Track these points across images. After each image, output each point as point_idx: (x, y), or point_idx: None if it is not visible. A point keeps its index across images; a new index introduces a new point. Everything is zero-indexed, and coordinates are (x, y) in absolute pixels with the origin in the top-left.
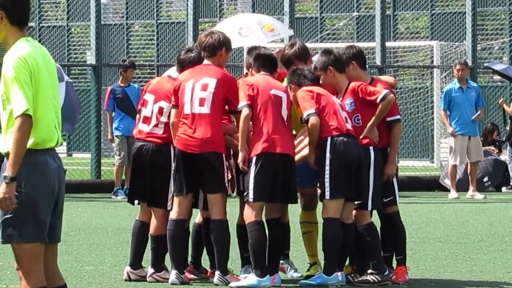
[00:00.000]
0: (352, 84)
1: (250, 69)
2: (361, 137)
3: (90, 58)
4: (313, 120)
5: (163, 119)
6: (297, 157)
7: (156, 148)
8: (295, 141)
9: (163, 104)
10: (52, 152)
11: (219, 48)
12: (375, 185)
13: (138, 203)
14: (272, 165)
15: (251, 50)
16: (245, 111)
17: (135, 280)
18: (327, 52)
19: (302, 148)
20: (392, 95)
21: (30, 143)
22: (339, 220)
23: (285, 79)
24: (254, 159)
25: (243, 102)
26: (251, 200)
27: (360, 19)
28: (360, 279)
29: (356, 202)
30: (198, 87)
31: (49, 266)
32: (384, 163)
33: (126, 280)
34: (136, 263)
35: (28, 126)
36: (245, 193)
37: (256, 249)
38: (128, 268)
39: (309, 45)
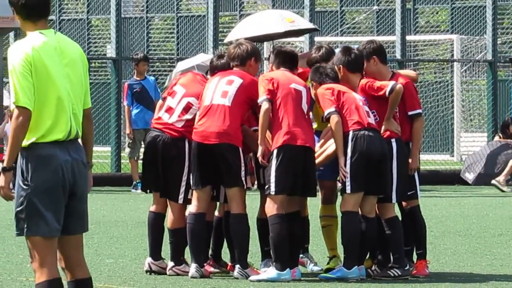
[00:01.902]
0: (360, 83)
1: (271, 65)
2: (382, 131)
3: (110, 51)
4: (334, 118)
5: (188, 116)
6: (322, 157)
7: (171, 141)
8: (319, 143)
9: (193, 101)
10: (65, 145)
11: (248, 58)
12: (399, 177)
13: (151, 192)
14: (293, 157)
15: (275, 48)
16: (265, 105)
17: (156, 271)
18: (345, 50)
19: (326, 149)
20: (400, 85)
21: (35, 136)
22: (358, 214)
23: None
24: (275, 152)
25: (262, 97)
26: (273, 193)
27: (380, 13)
28: (380, 273)
29: (380, 196)
30: (223, 82)
31: (71, 258)
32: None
33: (147, 272)
34: (156, 254)
35: (23, 118)
36: (267, 186)
37: (277, 242)
38: (149, 259)
39: (329, 39)
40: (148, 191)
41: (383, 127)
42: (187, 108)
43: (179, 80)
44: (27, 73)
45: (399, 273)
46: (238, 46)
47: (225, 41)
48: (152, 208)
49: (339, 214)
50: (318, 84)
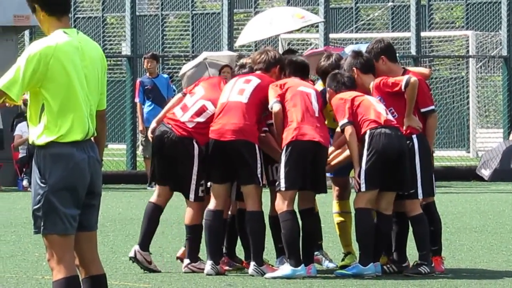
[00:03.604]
0: (374, 82)
1: (283, 73)
2: (404, 128)
3: (125, 49)
4: (348, 130)
5: (199, 119)
6: (341, 157)
7: (177, 139)
8: (331, 147)
9: (209, 105)
10: (82, 144)
11: (274, 65)
12: (423, 172)
13: (153, 186)
14: (301, 152)
15: (286, 53)
16: (275, 107)
17: (140, 261)
18: (355, 54)
19: (345, 150)
20: (415, 78)
21: (55, 136)
22: (370, 210)
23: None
24: (284, 148)
25: (272, 100)
26: (283, 189)
27: (395, 9)
28: (411, 269)
29: (406, 193)
30: (241, 81)
31: (86, 255)
32: None
33: (130, 258)
34: (144, 245)
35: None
36: (277, 183)
37: (289, 238)
38: (136, 247)
39: (344, 35)
40: (153, 183)
41: (404, 124)
42: (201, 111)
43: (202, 81)
44: (35, 65)
45: (428, 270)
46: (265, 52)
47: (237, 44)
48: (153, 199)
49: (353, 210)
50: (334, 93)
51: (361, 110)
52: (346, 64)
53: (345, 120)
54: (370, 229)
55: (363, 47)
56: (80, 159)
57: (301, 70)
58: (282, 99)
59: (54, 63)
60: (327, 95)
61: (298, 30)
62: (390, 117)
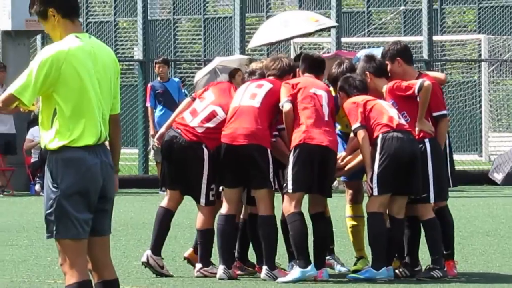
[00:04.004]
0: (388, 86)
1: (298, 70)
2: (416, 132)
3: (137, 53)
4: (360, 133)
5: (209, 124)
6: (354, 161)
7: (186, 144)
8: (344, 151)
9: (219, 110)
10: (94, 148)
11: (288, 72)
12: (436, 177)
13: (164, 190)
14: (309, 155)
15: (298, 57)
16: (286, 107)
17: (152, 266)
18: (368, 58)
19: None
20: (428, 82)
21: (67, 140)
22: (382, 214)
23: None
24: (292, 150)
25: (284, 99)
26: (290, 191)
27: (407, 13)
28: (423, 273)
29: (418, 197)
30: (253, 85)
31: (99, 259)
32: None
33: (143, 263)
34: (156, 249)
35: (4, 102)
36: (284, 185)
37: (297, 240)
38: (149, 252)
39: (356, 39)
40: (163, 188)
41: (416, 128)
42: (211, 116)
43: (212, 86)
44: (46, 71)
45: (441, 274)
46: (279, 59)
47: (249, 46)
48: (163, 203)
49: (365, 214)
50: (346, 96)
51: (373, 114)
52: (359, 68)
53: (358, 124)
54: (383, 233)
55: (375, 51)
56: (92, 163)
57: (316, 66)
58: (293, 99)
59: (67, 67)
60: (339, 99)
61: (312, 34)
62: (402, 121)
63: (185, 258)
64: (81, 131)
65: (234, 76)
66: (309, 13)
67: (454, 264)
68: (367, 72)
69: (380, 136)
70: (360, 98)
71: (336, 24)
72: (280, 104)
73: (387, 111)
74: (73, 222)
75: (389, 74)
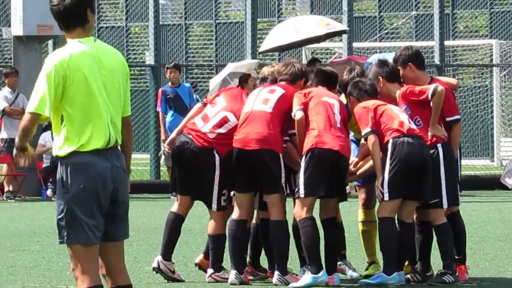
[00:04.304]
0: (401, 91)
1: (310, 82)
2: (429, 137)
3: (149, 58)
4: (370, 138)
5: (221, 130)
6: (366, 166)
7: (198, 150)
8: (354, 158)
9: (230, 116)
10: (104, 152)
11: (300, 77)
12: (448, 182)
13: (175, 195)
14: (321, 159)
15: (310, 62)
16: (298, 115)
17: (163, 271)
18: (381, 63)
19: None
20: (442, 87)
21: (75, 145)
22: (394, 219)
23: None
24: (304, 155)
25: (296, 108)
26: (302, 195)
27: (418, 18)
28: (435, 278)
29: (431, 202)
30: (265, 91)
31: (112, 264)
32: None
33: (154, 269)
34: (167, 254)
35: (29, 122)
36: (296, 190)
37: (309, 245)
38: (159, 258)
39: (367, 44)
40: (173, 193)
41: (429, 133)
42: (222, 122)
43: (223, 91)
44: (55, 80)
45: (452, 279)
46: (291, 64)
47: (261, 50)
48: (174, 208)
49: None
50: (356, 101)
51: (384, 119)
52: (372, 72)
53: (368, 129)
54: (394, 238)
55: (387, 56)
56: (102, 167)
57: (329, 80)
58: (305, 107)
59: (71, 73)
60: (349, 104)
61: (323, 39)
62: (413, 126)
63: (196, 264)
64: (89, 136)
65: (247, 81)
66: (320, 17)
67: (465, 269)
68: (379, 77)
69: (391, 141)
70: (371, 103)
71: (347, 28)
72: (293, 113)
73: (398, 116)
74: (83, 227)
75: (401, 79)
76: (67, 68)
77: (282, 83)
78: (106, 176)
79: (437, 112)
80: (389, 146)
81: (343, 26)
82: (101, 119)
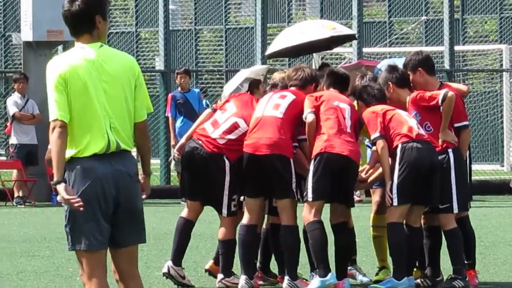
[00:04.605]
0: (411, 96)
1: (322, 85)
2: (439, 142)
3: (159, 64)
4: (379, 143)
5: (231, 136)
6: (376, 173)
7: (208, 156)
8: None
9: (241, 122)
10: (107, 157)
11: (310, 82)
12: (459, 187)
13: (185, 200)
14: (329, 164)
15: (321, 68)
16: (309, 118)
17: (174, 276)
18: (391, 68)
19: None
20: (452, 92)
21: (74, 150)
22: (402, 224)
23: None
24: (313, 159)
25: (307, 110)
26: (310, 199)
27: (428, 23)
28: (445, 283)
29: (441, 207)
30: (276, 96)
31: (124, 271)
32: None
33: (164, 274)
34: (177, 259)
35: (59, 130)
36: (304, 193)
37: (316, 248)
38: (169, 263)
39: (377, 49)
40: (183, 198)
41: (439, 138)
42: (232, 128)
43: (233, 97)
44: (61, 87)
45: (462, 284)
46: (302, 69)
47: (267, 53)
48: (183, 214)
49: None
50: (365, 106)
51: (392, 124)
52: (381, 78)
53: (377, 134)
54: (403, 243)
55: (397, 62)
56: (102, 172)
57: (340, 82)
58: (316, 110)
59: (69, 78)
60: (358, 108)
61: (335, 44)
62: (421, 131)
63: (206, 270)
64: (88, 141)
65: (258, 87)
66: (327, 21)
67: (475, 274)
68: (389, 83)
69: (400, 146)
70: (379, 108)
71: (353, 32)
72: (304, 116)
73: (407, 121)
74: (84, 233)
75: (411, 85)
76: (65, 74)
77: (293, 88)
78: (106, 181)
79: (447, 118)
80: (398, 151)
81: (350, 31)
82: (99, 125)
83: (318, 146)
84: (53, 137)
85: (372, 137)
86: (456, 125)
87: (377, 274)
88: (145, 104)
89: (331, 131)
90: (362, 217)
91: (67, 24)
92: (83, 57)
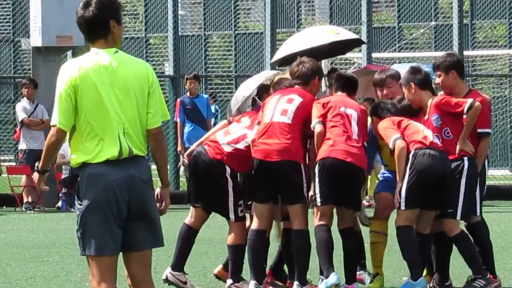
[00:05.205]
0: (435, 100)
1: (331, 89)
2: (456, 151)
3: (168, 69)
4: (400, 144)
5: (238, 146)
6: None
7: (209, 162)
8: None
9: (251, 135)
10: (120, 162)
11: (312, 77)
12: (466, 195)
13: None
14: (332, 169)
15: (330, 72)
16: (317, 128)
17: (173, 282)
18: (414, 70)
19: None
20: (478, 103)
21: (87, 156)
22: (411, 227)
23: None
24: (317, 164)
25: (315, 120)
26: (319, 204)
27: (437, 28)
28: (466, 286)
29: (447, 211)
30: (283, 100)
31: (136, 275)
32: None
33: (164, 280)
34: (177, 265)
35: (56, 138)
36: (314, 198)
37: (320, 250)
38: (169, 269)
39: (386, 55)
40: (187, 203)
41: (457, 146)
42: (240, 139)
43: (251, 113)
44: (69, 96)
45: (483, 283)
46: (302, 63)
47: (272, 61)
48: (187, 220)
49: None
50: (378, 119)
51: (408, 132)
52: (403, 79)
53: (397, 135)
54: (413, 243)
55: (405, 67)
56: (114, 178)
57: (348, 86)
58: (323, 118)
59: (80, 83)
60: (372, 124)
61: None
62: (436, 140)
63: (215, 275)
64: (101, 147)
65: (268, 92)
66: (331, 27)
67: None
68: (412, 84)
69: (413, 152)
70: (394, 118)
71: (357, 37)
72: (312, 125)
73: (422, 131)
74: (96, 238)
75: (439, 86)
76: (75, 81)
77: (297, 87)
78: (119, 186)
79: (469, 127)
80: (410, 156)
81: (355, 36)
82: (112, 131)
83: (323, 151)
84: (49, 140)
85: (392, 139)
86: (479, 130)
87: (371, 282)
88: (160, 111)
89: (337, 138)
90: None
91: (81, 30)
92: (96, 62)
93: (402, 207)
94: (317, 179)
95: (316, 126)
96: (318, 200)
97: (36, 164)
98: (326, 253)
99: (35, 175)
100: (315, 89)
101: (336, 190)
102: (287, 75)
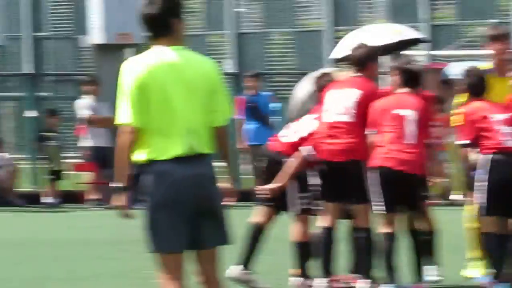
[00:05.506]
0: None
1: (395, 83)
2: None
3: (228, 67)
4: (462, 151)
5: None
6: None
7: (275, 155)
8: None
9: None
10: (187, 160)
11: (367, 61)
12: None
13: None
14: (386, 178)
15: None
16: (369, 138)
17: (245, 281)
18: None
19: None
20: None
21: (153, 153)
22: (492, 234)
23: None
24: (371, 171)
25: (368, 130)
26: (380, 211)
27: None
28: None
29: None
30: (343, 97)
31: (205, 273)
32: None
33: (232, 279)
34: (245, 263)
35: (127, 135)
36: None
37: (383, 256)
38: (236, 267)
39: (446, 52)
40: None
41: None
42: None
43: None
44: (137, 91)
45: None
46: (358, 49)
47: (331, 56)
48: (255, 218)
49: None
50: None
51: (479, 131)
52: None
53: (466, 141)
54: (495, 249)
55: (464, 65)
56: (181, 175)
57: (413, 80)
58: (377, 123)
59: (148, 81)
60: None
61: (401, 48)
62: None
63: (291, 276)
64: (167, 144)
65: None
66: (394, 25)
67: None
68: None
69: (489, 156)
70: (468, 108)
71: (420, 36)
72: (365, 132)
73: (496, 130)
74: (162, 236)
75: None
76: (143, 77)
77: (356, 74)
78: (185, 184)
79: None
80: (487, 161)
81: (418, 34)
82: (178, 128)
83: (376, 158)
84: (121, 141)
85: (460, 142)
86: None
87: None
88: (225, 109)
89: (390, 145)
90: (447, 221)
91: (145, 28)
92: (162, 60)
93: (483, 213)
94: (372, 187)
95: (369, 136)
96: (379, 208)
97: (111, 184)
98: (386, 260)
99: (114, 198)
100: (372, 73)
101: (396, 197)
102: (331, 70)
